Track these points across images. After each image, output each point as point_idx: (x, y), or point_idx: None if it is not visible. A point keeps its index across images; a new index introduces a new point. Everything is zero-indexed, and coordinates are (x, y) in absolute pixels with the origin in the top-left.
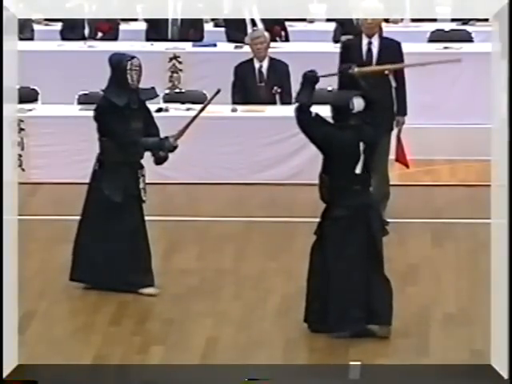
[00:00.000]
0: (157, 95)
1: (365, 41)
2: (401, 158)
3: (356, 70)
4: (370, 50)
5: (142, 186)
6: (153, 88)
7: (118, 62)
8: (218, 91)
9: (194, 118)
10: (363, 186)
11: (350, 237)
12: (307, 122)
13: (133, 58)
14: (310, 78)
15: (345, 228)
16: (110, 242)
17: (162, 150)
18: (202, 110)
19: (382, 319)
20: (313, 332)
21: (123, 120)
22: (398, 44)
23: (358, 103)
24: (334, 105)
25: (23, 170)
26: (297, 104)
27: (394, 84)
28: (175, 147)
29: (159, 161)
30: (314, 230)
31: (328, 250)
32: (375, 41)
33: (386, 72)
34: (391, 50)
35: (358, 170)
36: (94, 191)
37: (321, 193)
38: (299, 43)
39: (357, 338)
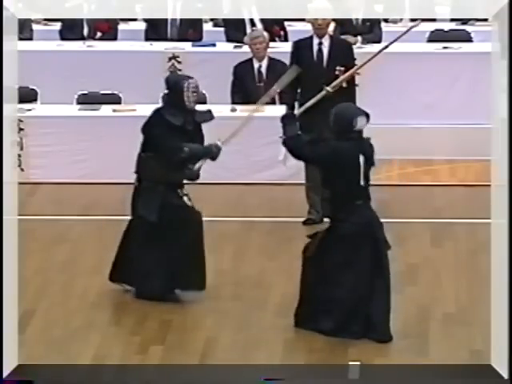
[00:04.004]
0: (213, 118)
1: (315, 41)
2: None
3: (328, 88)
4: (320, 50)
5: (189, 203)
6: (209, 111)
7: (175, 83)
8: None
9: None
10: (365, 199)
11: (357, 253)
12: (303, 149)
13: (190, 78)
14: (290, 116)
15: (352, 245)
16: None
17: (210, 155)
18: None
19: (380, 334)
20: (296, 327)
21: (175, 139)
22: (349, 43)
23: (361, 122)
24: (336, 121)
25: (22, 170)
26: (286, 141)
27: (344, 85)
28: (219, 149)
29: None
30: (311, 234)
31: (332, 263)
32: (326, 41)
33: (337, 73)
34: (341, 49)
35: (359, 183)
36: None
37: (323, 207)
38: None
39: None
